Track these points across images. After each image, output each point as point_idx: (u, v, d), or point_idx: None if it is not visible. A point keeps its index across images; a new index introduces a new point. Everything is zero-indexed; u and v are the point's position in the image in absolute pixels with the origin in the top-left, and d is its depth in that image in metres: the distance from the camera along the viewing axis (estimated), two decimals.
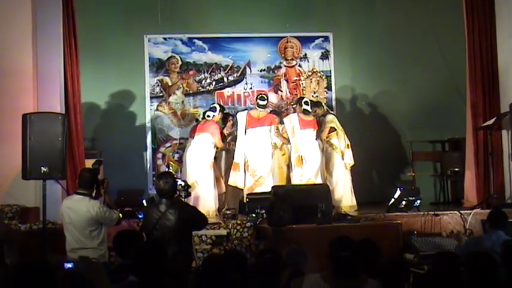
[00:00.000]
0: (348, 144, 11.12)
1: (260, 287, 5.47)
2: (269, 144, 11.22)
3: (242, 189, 11.18)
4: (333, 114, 11.40)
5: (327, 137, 11.07)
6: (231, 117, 11.75)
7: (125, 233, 6.80)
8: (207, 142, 10.96)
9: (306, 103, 11.19)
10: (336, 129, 11.09)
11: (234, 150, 11.47)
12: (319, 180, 10.86)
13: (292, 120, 11.18)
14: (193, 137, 11.13)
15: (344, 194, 10.93)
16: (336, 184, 10.90)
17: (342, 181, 10.98)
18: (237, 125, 11.49)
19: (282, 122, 11.39)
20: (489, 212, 8.06)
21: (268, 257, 5.62)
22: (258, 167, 11.04)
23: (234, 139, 11.56)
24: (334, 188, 10.77)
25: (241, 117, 11.43)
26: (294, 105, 11.76)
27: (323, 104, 11.79)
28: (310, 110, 11.16)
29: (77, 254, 7.07)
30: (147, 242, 6.39)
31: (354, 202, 11.01)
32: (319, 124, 11.22)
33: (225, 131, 11.43)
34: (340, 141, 11.06)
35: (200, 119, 11.47)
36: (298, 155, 11.00)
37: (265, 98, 11.50)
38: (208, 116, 11.17)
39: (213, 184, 10.96)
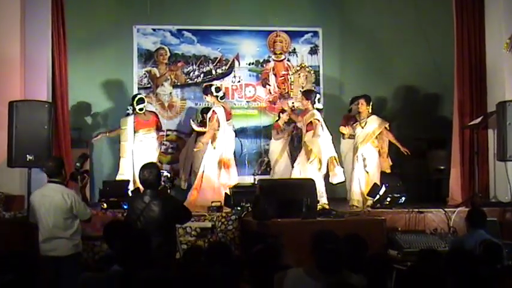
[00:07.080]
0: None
1: None
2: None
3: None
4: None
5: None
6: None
7: (115, 223, 6.79)
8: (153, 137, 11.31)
9: (319, 101, 11.03)
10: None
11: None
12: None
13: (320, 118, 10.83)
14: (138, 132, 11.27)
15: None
16: None
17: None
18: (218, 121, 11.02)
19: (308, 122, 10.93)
20: (468, 211, 8.07)
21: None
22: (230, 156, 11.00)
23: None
24: None
25: (221, 112, 10.92)
26: (307, 100, 11.04)
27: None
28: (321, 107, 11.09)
29: (50, 244, 7.02)
30: (132, 232, 6.37)
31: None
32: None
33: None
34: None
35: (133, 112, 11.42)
36: (331, 156, 10.68)
37: (220, 88, 11.35)
38: (141, 109, 11.25)
39: None
